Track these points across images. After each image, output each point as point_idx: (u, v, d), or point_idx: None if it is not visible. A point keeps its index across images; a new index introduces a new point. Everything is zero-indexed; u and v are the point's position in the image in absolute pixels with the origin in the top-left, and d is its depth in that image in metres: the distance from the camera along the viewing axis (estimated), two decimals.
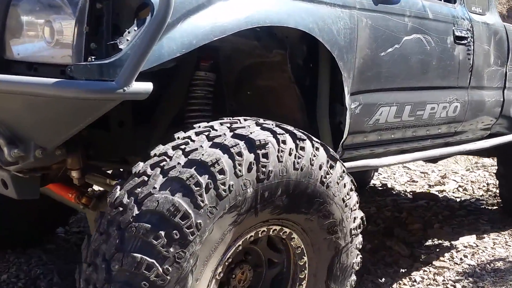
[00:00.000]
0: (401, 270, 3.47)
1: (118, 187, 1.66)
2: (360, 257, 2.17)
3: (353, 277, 2.16)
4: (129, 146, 2.21)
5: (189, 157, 1.66)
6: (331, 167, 1.94)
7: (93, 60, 1.59)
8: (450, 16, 3.09)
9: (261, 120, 1.93)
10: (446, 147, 3.37)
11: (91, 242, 1.64)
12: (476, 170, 6.42)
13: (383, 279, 3.32)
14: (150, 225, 1.55)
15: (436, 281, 3.32)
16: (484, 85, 3.51)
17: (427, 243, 3.95)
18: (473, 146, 3.48)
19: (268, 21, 1.99)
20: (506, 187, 4.40)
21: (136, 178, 1.65)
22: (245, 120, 1.90)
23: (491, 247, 3.91)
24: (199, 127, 1.82)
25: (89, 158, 2.07)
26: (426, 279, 3.35)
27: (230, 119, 1.89)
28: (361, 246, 2.15)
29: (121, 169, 2.29)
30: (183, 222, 1.56)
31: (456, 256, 3.69)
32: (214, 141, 1.72)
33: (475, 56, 3.32)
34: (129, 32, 1.63)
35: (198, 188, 1.60)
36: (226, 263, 1.78)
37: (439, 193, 5.42)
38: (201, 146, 1.69)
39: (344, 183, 2.00)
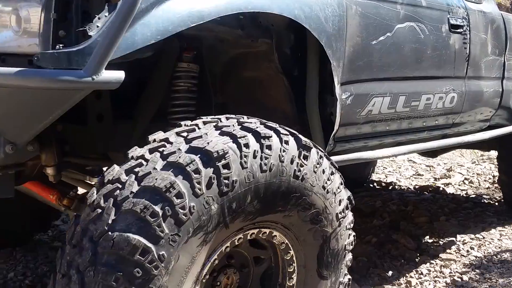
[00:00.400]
0: (408, 263, 3.44)
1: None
2: (353, 236, 2.06)
3: (348, 257, 2.06)
4: (110, 142, 2.12)
5: (142, 183, 1.52)
6: (305, 157, 1.80)
7: (61, 48, 1.50)
8: (444, 4, 2.99)
9: (223, 121, 1.78)
10: (444, 139, 3.28)
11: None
12: (482, 163, 6.38)
13: (390, 272, 3.30)
14: (108, 268, 1.45)
15: (443, 273, 3.30)
16: (482, 75, 3.42)
17: (433, 236, 3.92)
18: (471, 138, 3.38)
19: (250, 7, 1.90)
20: (507, 181, 4.30)
21: (90, 212, 1.54)
22: (204, 124, 1.77)
23: (498, 239, 3.89)
24: (154, 140, 1.68)
25: (65, 154, 1.98)
26: (433, 272, 3.32)
27: (187, 127, 1.74)
28: (352, 225, 2.04)
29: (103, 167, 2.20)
30: (143, 258, 1.46)
31: (463, 248, 3.67)
32: (168, 160, 1.57)
33: (472, 45, 3.23)
34: (99, 18, 1.54)
35: (154, 218, 1.47)
36: (204, 280, 1.68)
37: (445, 186, 5.39)
38: (154, 168, 1.56)
39: (323, 169, 1.86)
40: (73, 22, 1.54)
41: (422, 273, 3.29)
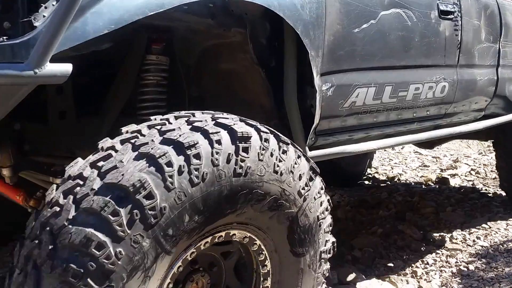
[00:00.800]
0: (414, 253, 3.43)
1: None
2: (327, 201, 1.93)
3: (326, 223, 1.93)
4: (74, 139, 2.01)
5: (59, 244, 1.40)
6: (245, 150, 1.63)
7: (4, 40, 1.40)
8: None
9: (140, 139, 1.58)
10: (435, 130, 3.16)
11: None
12: (488, 153, 6.31)
13: (395, 263, 3.29)
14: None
15: (449, 263, 3.28)
16: (475, 63, 3.29)
17: (439, 226, 3.91)
18: (464, 128, 3.26)
19: None
20: (506, 173, 4.17)
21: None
22: (121, 148, 1.57)
23: (504, 228, 3.85)
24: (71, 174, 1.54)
25: (25, 154, 1.88)
26: (439, 262, 3.30)
27: (102, 155, 1.56)
28: (322, 190, 1.90)
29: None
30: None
31: (469, 238, 3.65)
32: (82, 206, 1.42)
33: (464, 32, 3.10)
34: (46, 8, 1.43)
35: (79, 281, 1.37)
36: None
37: (451, 177, 5.37)
38: (70, 223, 1.41)
39: (270, 153, 1.70)
40: (19, 12, 1.43)
41: (428, 263, 3.27)
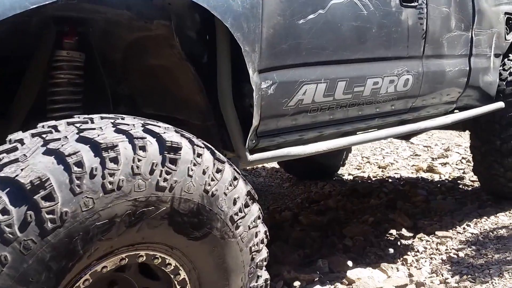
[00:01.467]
0: (404, 241, 3.44)
1: None
2: (264, 233, 1.75)
3: (262, 255, 1.74)
4: None
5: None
6: (172, 161, 1.46)
7: None
8: None
9: (53, 134, 1.42)
10: (400, 126, 2.96)
11: None
12: None
13: (386, 251, 3.30)
14: None
15: (439, 251, 3.29)
16: (444, 53, 3.08)
17: (430, 215, 3.91)
18: (430, 123, 3.06)
19: None
20: (481, 163, 3.98)
21: None
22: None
23: (494, 216, 3.81)
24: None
25: None
26: (429, 249, 3.31)
27: (6, 147, 1.40)
28: (259, 220, 1.72)
29: None
30: None
31: (459, 226, 3.64)
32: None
33: (430, 20, 2.89)
34: None
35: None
36: None
37: (442, 165, 5.34)
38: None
39: (202, 169, 1.53)
40: None
41: (418, 251, 3.28)
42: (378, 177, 4.99)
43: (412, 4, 2.74)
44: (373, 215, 3.82)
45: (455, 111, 3.58)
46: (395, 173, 5.12)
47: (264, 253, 1.75)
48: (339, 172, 5.28)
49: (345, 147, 2.49)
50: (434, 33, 2.94)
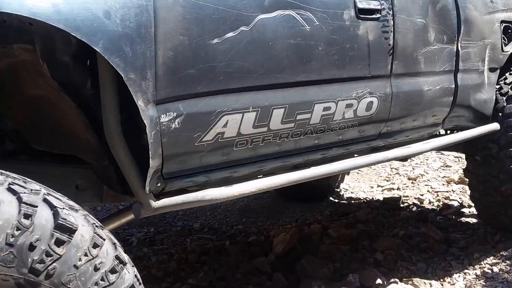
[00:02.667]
0: (436, 255, 3.35)
1: None
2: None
3: None
4: None
5: None
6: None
7: None
8: None
9: None
10: (367, 156, 2.57)
11: None
12: None
13: (418, 265, 3.22)
14: None
15: (472, 266, 3.19)
16: (420, 70, 2.68)
17: (462, 227, 3.80)
18: (399, 152, 2.65)
19: None
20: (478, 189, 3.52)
21: None
22: None
23: None
24: None
25: None
26: (462, 264, 3.23)
27: None
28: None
29: None
30: None
31: (493, 240, 3.53)
32: None
33: (398, 34, 2.50)
34: None
35: None
36: None
37: None
38: None
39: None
40: None
41: (451, 266, 3.21)
42: (408, 189, 4.85)
43: (373, 16, 2.36)
44: (403, 228, 3.74)
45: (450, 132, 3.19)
46: (425, 185, 4.95)
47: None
48: (368, 183, 5.07)
49: (281, 186, 2.13)
50: (405, 48, 2.55)
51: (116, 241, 1.40)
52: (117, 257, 1.35)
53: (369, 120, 2.47)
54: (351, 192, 4.92)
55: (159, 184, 1.80)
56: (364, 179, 5.27)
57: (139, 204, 1.78)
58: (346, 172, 2.65)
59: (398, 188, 4.91)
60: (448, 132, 3.32)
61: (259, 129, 2.01)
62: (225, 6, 1.81)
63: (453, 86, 2.91)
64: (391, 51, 2.48)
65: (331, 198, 4.74)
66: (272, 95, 2.03)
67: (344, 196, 4.78)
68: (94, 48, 1.48)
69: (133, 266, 1.44)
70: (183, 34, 1.71)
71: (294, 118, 2.12)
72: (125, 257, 1.40)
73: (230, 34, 1.83)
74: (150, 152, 1.67)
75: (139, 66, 1.60)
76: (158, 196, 1.83)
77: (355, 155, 2.69)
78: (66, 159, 1.94)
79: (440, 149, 2.93)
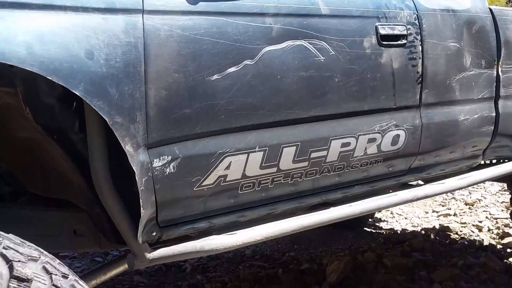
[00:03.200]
0: (497, 287, 3.17)
1: None
2: None
3: None
4: None
5: None
6: None
7: None
8: (369, 8, 2.10)
9: None
10: (393, 194, 2.36)
11: None
12: None
13: None
14: None
15: None
16: (455, 99, 2.46)
17: None
18: (433, 189, 2.42)
19: None
20: None
21: None
22: None
23: None
24: None
25: None
26: None
27: None
28: None
29: None
30: None
31: None
32: None
33: (428, 60, 2.30)
34: None
35: None
36: None
37: None
38: None
39: None
40: None
41: None
42: (465, 215, 4.64)
43: (398, 42, 2.17)
44: (462, 258, 3.54)
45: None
46: (483, 211, 4.71)
47: None
48: (422, 208, 4.83)
49: (294, 232, 1.95)
50: (436, 75, 2.34)
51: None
52: None
53: (396, 154, 2.27)
54: (405, 218, 4.69)
55: (154, 233, 1.66)
56: (418, 204, 5.01)
57: (132, 255, 1.65)
58: (371, 213, 2.43)
59: (454, 214, 4.67)
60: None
61: (268, 169, 1.85)
62: (226, 39, 1.67)
63: (494, 114, 2.66)
64: (420, 79, 2.27)
65: (384, 224, 4.54)
66: (281, 133, 1.86)
67: (398, 222, 4.59)
68: (74, 92, 1.36)
69: None
70: (178, 72, 1.58)
71: (307, 157, 1.94)
72: None
73: (232, 69, 1.69)
74: (141, 201, 1.53)
75: (127, 108, 1.47)
76: (155, 245, 1.69)
77: (390, 191, 2.48)
78: (65, 203, 1.84)
79: (480, 183, 2.67)
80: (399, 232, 4.31)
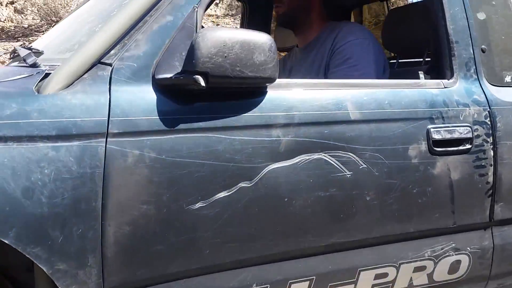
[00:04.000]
0: None
1: None
2: None
3: None
4: None
5: None
6: None
7: None
8: (418, 106, 1.70)
9: None
10: None
11: None
12: None
13: None
14: None
15: None
16: None
17: None
18: None
19: None
20: None
21: None
22: None
23: None
24: None
25: None
26: None
27: None
28: None
29: None
30: None
31: None
32: None
33: (504, 166, 1.83)
34: None
35: None
36: None
37: None
38: None
39: None
40: None
41: None
42: None
43: (459, 148, 1.73)
44: None
45: None
46: None
47: None
48: None
49: None
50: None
51: None
52: None
53: (456, 284, 1.81)
54: None
55: None
56: None
57: None
58: None
59: None
60: None
61: None
62: (216, 159, 1.39)
63: None
64: (491, 191, 1.80)
65: None
66: (289, 265, 1.53)
67: None
68: (2, 240, 1.16)
69: None
70: (147, 202, 1.32)
71: None
72: None
73: (221, 194, 1.40)
74: None
75: (74, 252, 1.24)
76: None
77: None
78: None
79: None
80: None
